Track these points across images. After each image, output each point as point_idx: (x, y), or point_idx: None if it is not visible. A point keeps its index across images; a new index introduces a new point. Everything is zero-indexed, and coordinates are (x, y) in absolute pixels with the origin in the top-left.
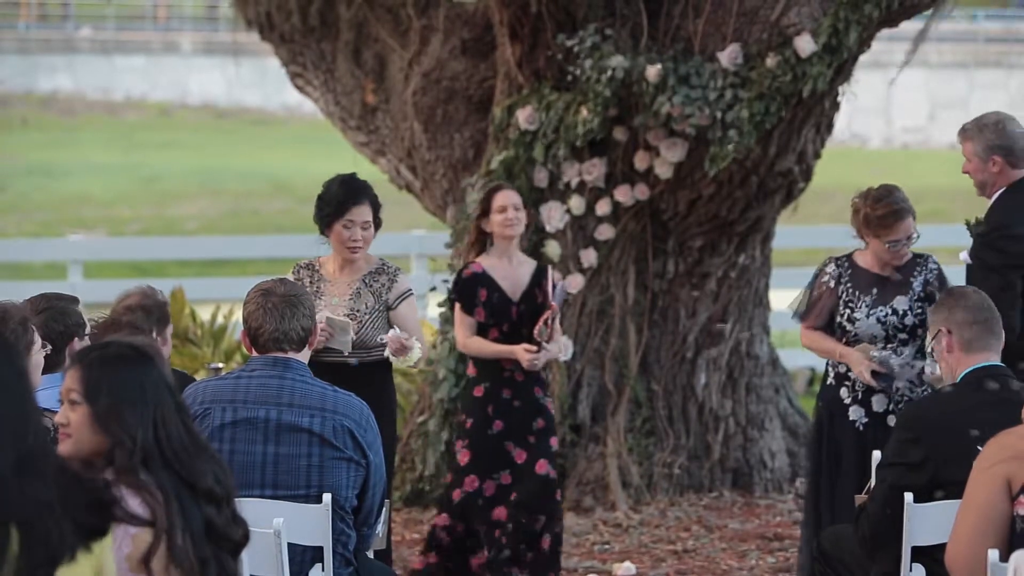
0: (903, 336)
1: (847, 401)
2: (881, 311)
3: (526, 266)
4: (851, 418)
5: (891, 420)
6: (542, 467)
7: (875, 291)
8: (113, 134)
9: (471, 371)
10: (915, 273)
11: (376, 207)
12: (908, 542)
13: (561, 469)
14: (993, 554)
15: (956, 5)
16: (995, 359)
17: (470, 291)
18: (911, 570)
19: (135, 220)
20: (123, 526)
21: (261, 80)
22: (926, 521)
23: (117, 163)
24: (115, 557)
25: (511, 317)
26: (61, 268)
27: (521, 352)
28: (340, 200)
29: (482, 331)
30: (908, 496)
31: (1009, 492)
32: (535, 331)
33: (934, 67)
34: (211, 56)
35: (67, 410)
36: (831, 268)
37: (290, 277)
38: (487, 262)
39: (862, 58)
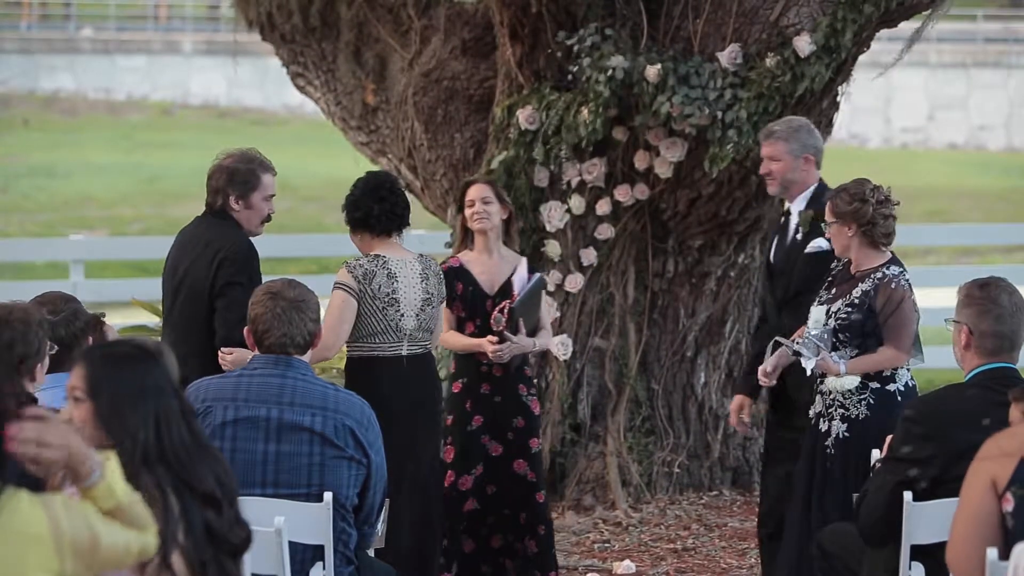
0: (832, 339)
1: None
2: (819, 309)
3: (509, 261)
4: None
5: (821, 423)
6: (520, 466)
7: (833, 290)
8: (114, 134)
9: (452, 367)
10: (865, 279)
11: None
12: (907, 541)
13: (561, 468)
14: (992, 552)
15: (953, 4)
16: (1010, 361)
17: (447, 285)
18: (910, 569)
19: (137, 220)
20: None
21: (262, 80)
22: (926, 520)
23: (118, 163)
24: None
25: (486, 311)
26: (63, 268)
27: (486, 344)
28: None
29: (460, 326)
30: (907, 495)
31: (995, 490)
32: (491, 320)
33: (933, 67)
34: (212, 56)
35: (72, 406)
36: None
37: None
38: (467, 256)
39: (861, 58)
